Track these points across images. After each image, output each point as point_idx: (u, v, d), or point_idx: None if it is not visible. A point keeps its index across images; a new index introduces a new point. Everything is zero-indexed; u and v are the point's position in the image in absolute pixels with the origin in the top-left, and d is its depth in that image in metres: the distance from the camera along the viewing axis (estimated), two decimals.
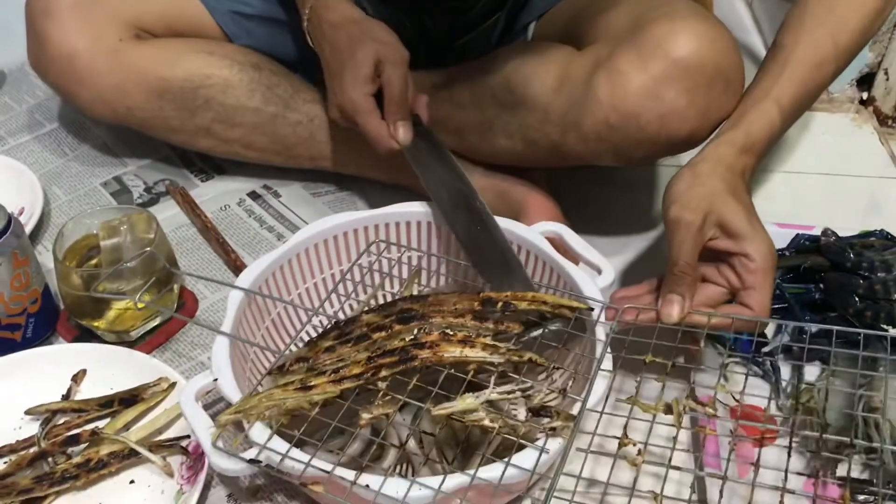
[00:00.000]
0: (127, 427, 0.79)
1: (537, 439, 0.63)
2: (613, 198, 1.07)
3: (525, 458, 0.61)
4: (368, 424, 0.64)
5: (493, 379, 0.64)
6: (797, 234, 0.91)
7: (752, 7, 1.39)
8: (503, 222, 0.81)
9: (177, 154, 1.15)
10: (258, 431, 0.63)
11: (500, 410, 0.65)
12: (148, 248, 0.84)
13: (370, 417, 0.62)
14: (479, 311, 0.69)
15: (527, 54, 0.92)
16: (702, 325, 0.71)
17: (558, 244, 0.81)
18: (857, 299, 0.82)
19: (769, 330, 0.83)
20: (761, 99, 0.79)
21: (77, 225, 0.88)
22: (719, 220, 0.72)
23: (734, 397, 0.67)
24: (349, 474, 0.60)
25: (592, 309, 0.72)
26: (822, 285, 0.85)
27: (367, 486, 0.59)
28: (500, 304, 0.69)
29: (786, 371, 0.82)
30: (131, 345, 0.88)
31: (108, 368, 0.83)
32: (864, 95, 1.24)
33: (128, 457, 0.75)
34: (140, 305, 0.85)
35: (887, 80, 1.22)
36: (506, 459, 0.61)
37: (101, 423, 0.79)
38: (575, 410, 0.64)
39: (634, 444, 0.62)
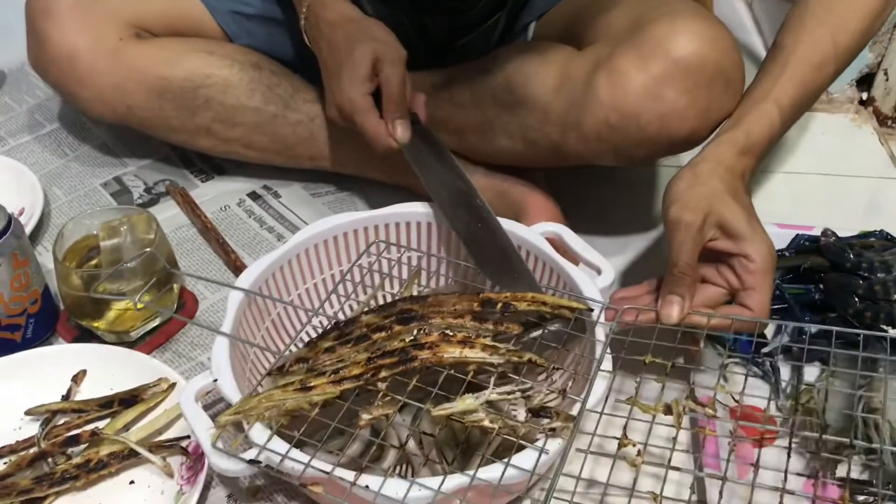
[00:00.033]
0: (127, 427, 0.79)
1: (537, 440, 0.63)
2: (613, 198, 1.07)
3: (525, 459, 0.61)
4: (368, 425, 0.64)
5: (492, 380, 0.64)
6: (797, 235, 0.91)
7: (752, 7, 1.39)
8: (503, 223, 0.81)
9: (177, 154, 1.15)
10: (258, 432, 0.63)
11: (499, 411, 0.65)
12: (148, 249, 0.84)
13: (370, 418, 0.62)
14: (478, 312, 0.69)
15: (527, 54, 0.92)
16: (701, 325, 0.71)
17: (558, 245, 0.81)
18: (856, 300, 0.82)
19: (769, 330, 0.83)
20: (761, 100, 0.79)
21: (77, 225, 0.88)
22: (719, 220, 0.72)
23: (734, 398, 0.67)
24: (349, 475, 0.60)
25: (592, 310, 0.72)
26: (821, 286, 0.85)
27: (367, 486, 0.59)
28: (499, 304, 0.69)
29: (785, 372, 0.82)
30: (131, 345, 0.88)
31: (108, 369, 0.83)
32: (864, 96, 1.24)
33: (128, 457, 0.75)
34: (139, 306, 0.85)
35: (887, 80, 1.22)
36: (505, 460, 0.61)
37: (101, 424, 0.79)
38: (574, 411, 0.64)
39: (634, 445, 0.62)
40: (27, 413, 0.80)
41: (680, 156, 0.91)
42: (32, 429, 0.79)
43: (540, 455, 0.61)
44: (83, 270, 0.86)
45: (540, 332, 0.70)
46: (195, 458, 0.75)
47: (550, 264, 0.79)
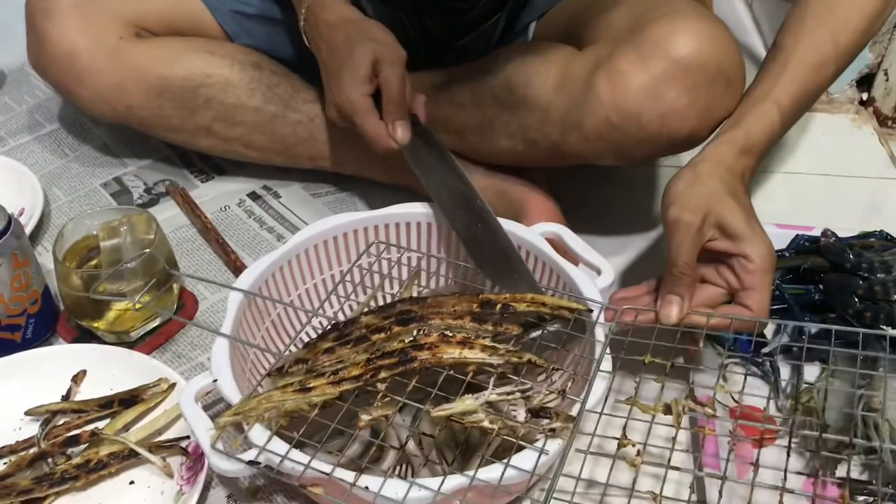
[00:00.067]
0: (127, 428, 0.79)
1: (536, 440, 0.63)
2: (613, 198, 1.07)
3: (524, 459, 0.61)
4: (368, 426, 0.64)
5: (492, 380, 0.64)
6: (797, 235, 0.91)
7: (752, 8, 1.39)
8: (503, 223, 0.81)
9: (177, 154, 1.15)
10: (257, 433, 0.63)
11: (499, 412, 0.65)
12: (147, 250, 0.84)
13: (370, 419, 0.62)
14: (477, 313, 0.69)
15: (527, 54, 0.92)
16: (701, 325, 0.71)
17: (558, 245, 0.81)
18: (856, 300, 0.82)
19: (769, 331, 0.83)
20: (761, 100, 0.79)
21: (77, 226, 0.88)
22: (718, 220, 0.72)
23: (733, 398, 0.67)
24: (348, 476, 0.60)
25: (591, 310, 0.72)
26: (821, 286, 0.85)
27: (367, 487, 0.59)
28: (498, 305, 0.69)
29: (785, 371, 0.82)
30: (131, 345, 0.88)
31: (108, 369, 0.83)
32: (864, 96, 1.24)
33: (127, 457, 0.75)
34: (138, 306, 0.85)
35: (887, 80, 1.22)
36: (505, 461, 0.61)
37: (100, 424, 0.79)
38: (574, 411, 0.64)
39: (634, 445, 0.62)
40: (27, 413, 0.80)
41: (680, 156, 0.91)
42: (32, 429, 0.79)
43: (540, 456, 0.61)
44: (83, 271, 0.86)
45: (539, 332, 0.70)
46: (195, 458, 0.75)
47: (550, 265, 0.79)
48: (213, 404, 0.80)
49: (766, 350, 0.82)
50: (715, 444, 0.74)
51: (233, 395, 0.67)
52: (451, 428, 0.70)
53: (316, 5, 0.90)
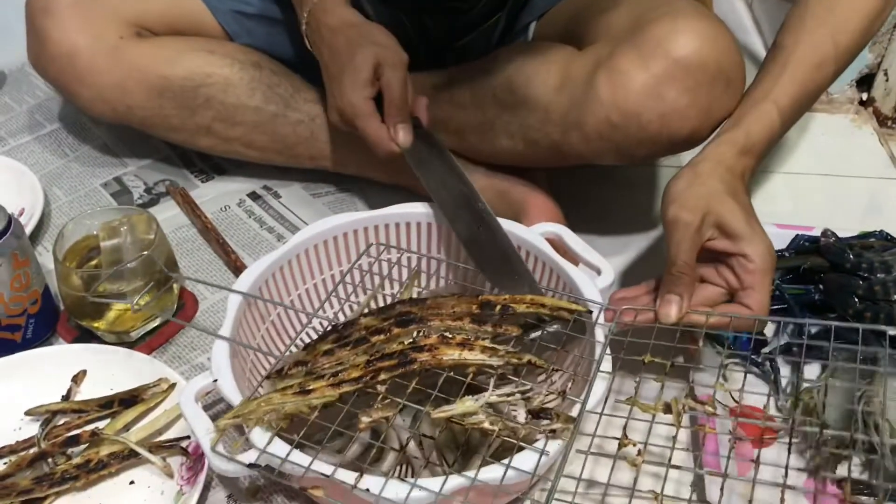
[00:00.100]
0: (127, 428, 0.79)
1: (536, 440, 0.63)
2: (613, 197, 1.07)
3: (525, 460, 0.61)
4: (368, 428, 0.64)
5: (492, 381, 0.64)
6: (797, 235, 0.91)
7: (752, 7, 1.39)
8: (503, 223, 0.81)
9: (177, 154, 1.15)
10: (258, 435, 0.63)
11: (499, 413, 0.65)
12: (145, 252, 0.84)
13: (370, 421, 0.62)
14: (477, 315, 0.69)
15: (528, 54, 0.92)
16: (700, 324, 0.71)
17: (558, 245, 0.81)
18: (856, 300, 0.82)
19: (769, 331, 0.83)
20: (761, 100, 0.79)
21: (77, 226, 0.88)
22: (717, 220, 0.72)
23: (733, 397, 0.67)
24: (349, 478, 0.60)
25: (591, 311, 0.71)
26: (821, 286, 0.85)
27: (368, 489, 0.59)
28: (498, 307, 0.69)
29: (785, 371, 0.82)
30: (131, 345, 0.88)
31: (108, 369, 0.83)
32: (864, 96, 1.24)
33: (128, 457, 0.75)
34: (143, 302, 0.85)
35: (887, 80, 1.22)
36: (505, 462, 0.60)
37: (101, 424, 0.79)
38: (573, 412, 0.64)
39: (634, 445, 0.62)
40: (27, 413, 0.80)
41: (680, 155, 0.91)
42: (32, 429, 0.79)
43: (540, 457, 0.61)
44: (83, 271, 0.86)
45: (539, 333, 0.70)
46: (195, 458, 0.75)
47: (550, 265, 0.79)
48: (214, 404, 0.80)
49: (766, 350, 0.82)
50: (715, 443, 0.74)
51: (233, 395, 0.67)
52: (451, 429, 0.70)
53: (318, 9, 0.90)
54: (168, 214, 1.06)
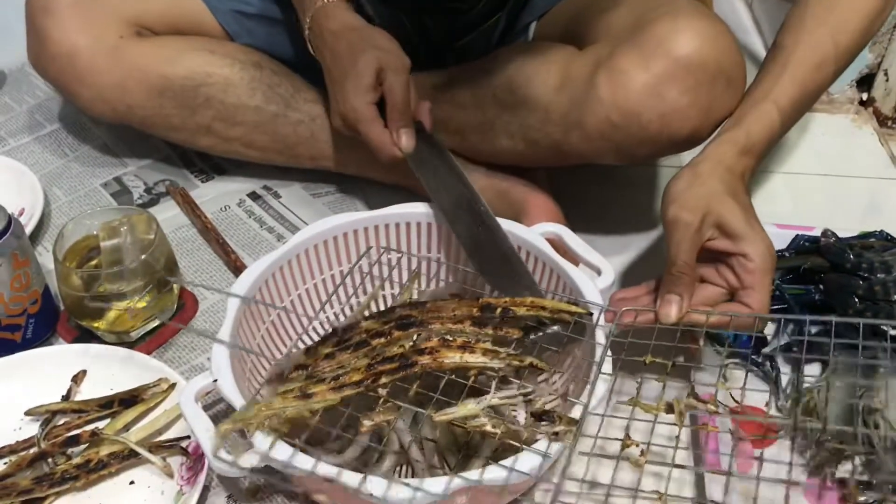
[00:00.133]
0: (127, 428, 0.79)
1: (537, 440, 0.63)
2: (614, 197, 1.07)
3: (526, 461, 0.61)
4: (370, 432, 0.64)
5: (493, 384, 0.64)
6: (797, 235, 0.91)
7: (752, 8, 1.39)
8: (503, 223, 0.81)
9: (177, 154, 1.15)
10: (260, 440, 0.62)
11: (500, 414, 0.65)
12: (143, 256, 0.84)
13: (372, 425, 0.62)
14: (477, 317, 0.68)
15: (528, 54, 0.92)
16: (700, 323, 0.71)
17: (558, 245, 0.81)
18: (856, 300, 0.82)
19: (769, 331, 0.83)
20: (761, 100, 0.79)
21: (77, 226, 0.88)
22: (717, 220, 0.72)
23: (733, 398, 0.67)
24: (353, 481, 0.59)
25: (591, 313, 0.71)
26: (821, 286, 0.85)
27: (371, 494, 0.59)
28: (498, 309, 0.69)
29: (785, 371, 0.82)
30: (131, 345, 0.88)
31: (108, 369, 0.83)
32: (864, 96, 1.24)
33: (128, 457, 0.75)
34: (141, 305, 0.85)
35: (887, 81, 1.22)
36: (507, 463, 0.60)
37: (101, 424, 0.79)
38: (575, 413, 0.64)
39: (637, 445, 0.62)
40: (27, 413, 0.80)
41: (681, 155, 0.91)
42: (32, 429, 0.79)
43: (543, 460, 0.61)
44: (83, 271, 0.86)
45: (539, 335, 0.70)
46: (195, 458, 0.74)
47: (550, 265, 0.79)
48: (214, 404, 0.80)
49: (766, 350, 0.82)
50: (716, 441, 0.74)
51: (233, 395, 0.67)
52: (451, 431, 0.70)
53: (320, 14, 0.90)
54: (168, 214, 1.06)
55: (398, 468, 0.72)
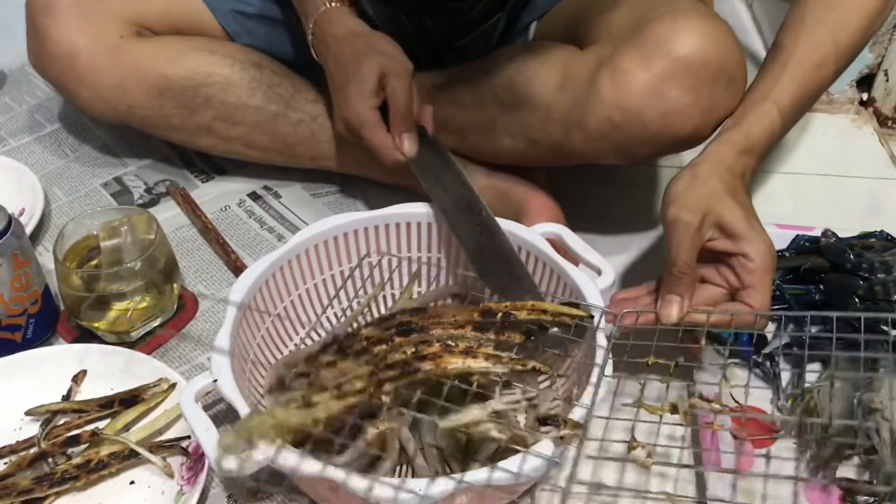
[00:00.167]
0: (127, 428, 0.79)
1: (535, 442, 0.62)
2: (614, 197, 1.07)
3: (529, 462, 0.60)
4: (375, 441, 0.63)
5: (498, 389, 0.64)
6: (797, 235, 0.91)
7: (752, 8, 1.39)
8: (503, 224, 0.81)
9: (177, 154, 1.15)
10: (263, 450, 0.62)
11: (503, 418, 0.65)
12: (142, 256, 0.84)
13: (377, 433, 0.62)
14: (478, 322, 0.68)
15: (529, 54, 0.92)
16: (701, 323, 0.71)
17: (558, 245, 0.81)
18: (857, 300, 0.82)
19: (769, 332, 0.83)
20: (761, 100, 0.79)
21: (77, 226, 0.88)
22: (718, 220, 0.72)
23: (733, 398, 0.67)
24: (361, 484, 0.59)
25: (592, 316, 0.71)
26: (822, 286, 0.85)
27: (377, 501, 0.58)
28: (499, 314, 0.68)
29: (784, 368, 0.82)
30: (131, 345, 0.88)
31: (109, 369, 0.83)
32: (864, 96, 1.24)
33: (128, 457, 0.75)
34: (141, 305, 0.85)
35: (887, 81, 1.22)
36: (509, 464, 0.60)
37: (101, 424, 0.79)
38: (577, 416, 0.63)
39: (643, 447, 0.62)
40: (27, 413, 0.80)
41: (681, 155, 0.91)
42: (33, 429, 0.79)
43: (550, 464, 0.60)
44: (83, 271, 0.86)
45: (540, 337, 0.70)
46: (195, 458, 0.74)
47: (551, 265, 0.79)
48: (214, 404, 0.80)
49: (766, 350, 0.82)
50: (719, 440, 0.74)
51: (233, 395, 0.67)
52: (453, 434, 0.70)
53: (323, 20, 0.91)
54: (168, 214, 1.06)
55: (398, 468, 0.72)
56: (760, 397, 0.73)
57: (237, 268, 0.97)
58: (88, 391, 0.83)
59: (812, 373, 0.79)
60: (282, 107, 1.02)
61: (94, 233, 0.89)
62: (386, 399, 0.63)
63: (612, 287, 0.77)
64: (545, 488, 0.72)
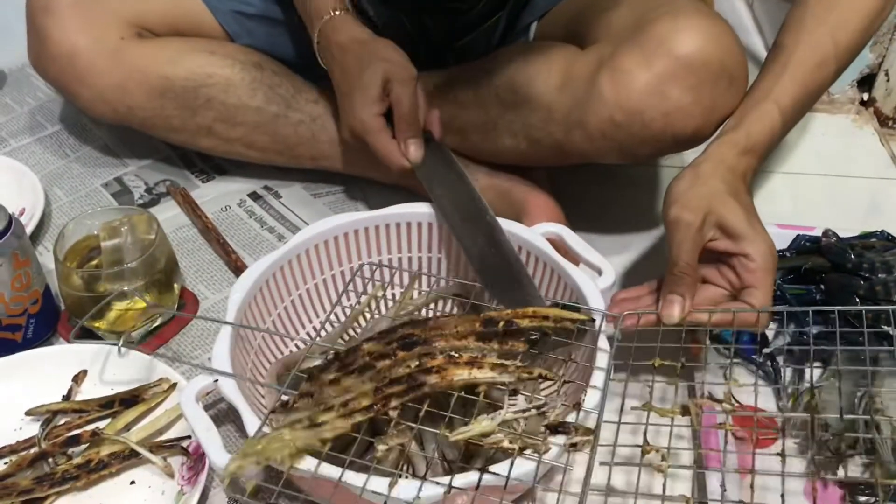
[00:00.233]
0: (128, 427, 0.79)
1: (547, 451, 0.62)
2: (615, 197, 1.07)
3: (530, 463, 0.61)
4: (386, 457, 0.63)
5: (506, 398, 0.63)
6: (798, 235, 0.91)
7: (753, 8, 1.39)
8: (504, 223, 0.81)
9: (178, 155, 1.15)
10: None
11: (515, 428, 0.64)
12: (144, 255, 0.84)
13: (386, 449, 0.61)
14: (481, 332, 0.67)
15: (530, 54, 0.92)
16: (703, 323, 0.71)
17: (559, 245, 0.81)
18: (857, 300, 0.81)
19: (770, 333, 0.83)
20: (762, 100, 0.79)
21: (78, 226, 0.88)
22: (719, 220, 0.72)
23: (734, 398, 0.67)
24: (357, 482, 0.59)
25: (594, 319, 0.71)
26: (822, 286, 0.85)
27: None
28: (501, 323, 0.67)
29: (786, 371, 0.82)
30: (132, 345, 0.87)
31: (109, 369, 0.83)
32: (865, 96, 1.24)
33: (128, 457, 0.75)
34: (141, 305, 0.85)
35: (888, 81, 1.22)
36: (522, 469, 0.60)
37: (101, 424, 0.79)
38: (588, 422, 0.63)
39: (658, 451, 0.62)
40: (28, 413, 0.80)
41: (682, 155, 0.91)
42: (33, 429, 0.79)
43: (564, 473, 0.60)
44: (84, 271, 0.86)
45: (541, 345, 0.70)
46: (196, 458, 0.74)
47: (551, 265, 0.79)
48: (214, 404, 0.80)
49: (767, 351, 0.82)
50: (720, 440, 0.74)
51: (234, 394, 0.67)
52: (457, 444, 0.69)
53: (327, 28, 0.91)
54: (169, 214, 1.06)
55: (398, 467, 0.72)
56: (761, 397, 0.72)
57: (237, 268, 0.97)
58: (89, 391, 0.83)
59: (816, 367, 0.79)
60: (282, 107, 1.02)
61: (95, 233, 0.89)
62: (394, 415, 0.62)
63: (612, 287, 0.77)
64: (543, 488, 0.72)
